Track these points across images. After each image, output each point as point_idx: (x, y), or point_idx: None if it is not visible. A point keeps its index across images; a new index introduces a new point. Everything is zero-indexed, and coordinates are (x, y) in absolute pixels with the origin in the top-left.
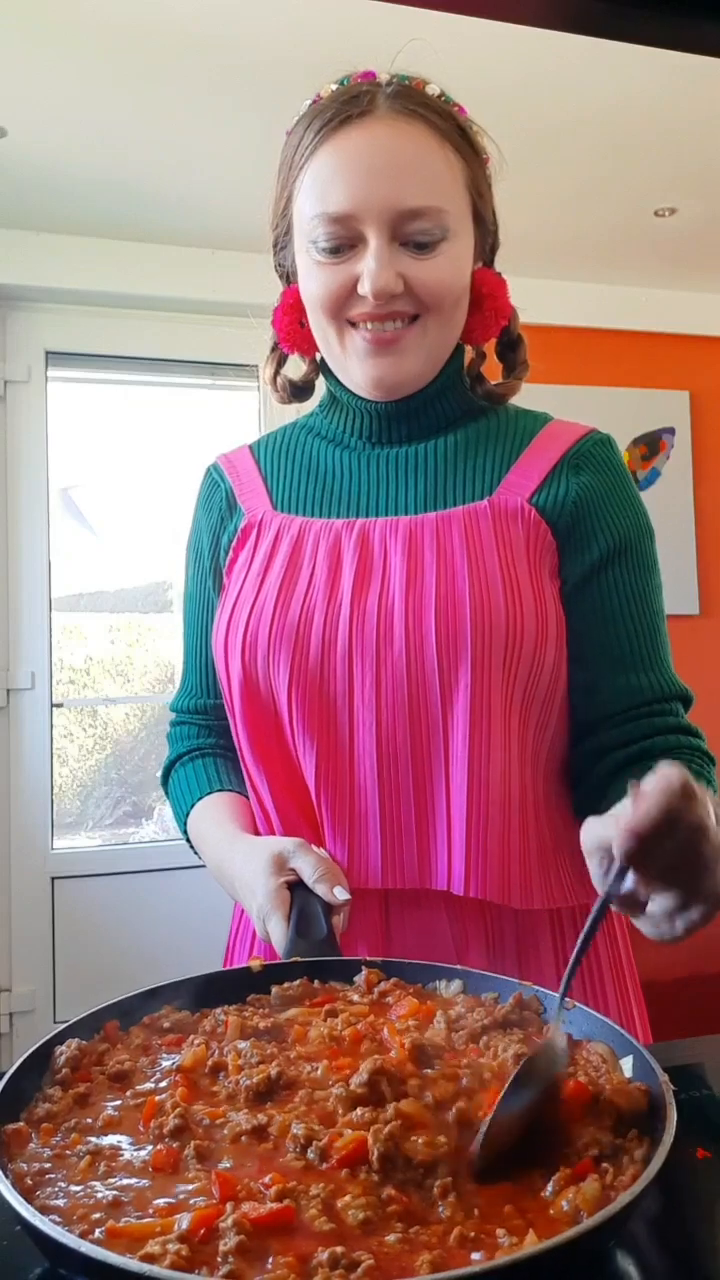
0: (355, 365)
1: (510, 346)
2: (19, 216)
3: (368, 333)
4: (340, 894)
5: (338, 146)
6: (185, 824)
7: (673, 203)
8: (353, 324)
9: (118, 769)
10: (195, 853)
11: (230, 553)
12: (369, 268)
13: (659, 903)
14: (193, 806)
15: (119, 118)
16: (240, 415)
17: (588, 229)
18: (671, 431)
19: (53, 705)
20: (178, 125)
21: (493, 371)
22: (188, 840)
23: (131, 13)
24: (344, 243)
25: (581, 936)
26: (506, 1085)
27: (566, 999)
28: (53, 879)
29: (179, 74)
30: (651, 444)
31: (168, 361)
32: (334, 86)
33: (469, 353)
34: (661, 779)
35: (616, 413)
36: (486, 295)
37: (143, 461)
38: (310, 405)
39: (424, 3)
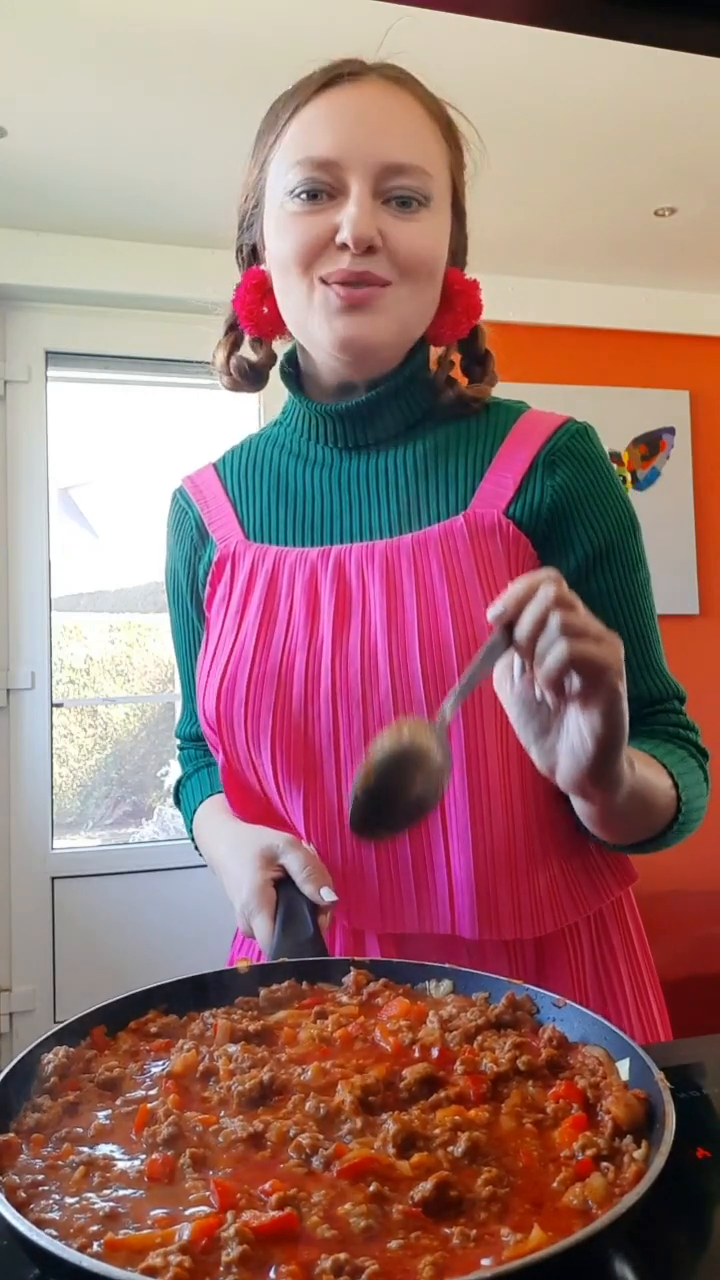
0: (322, 323)
1: (478, 360)
2: (19, 216)
3: (340, 289)
4: (327, 895)
5: (327, 100)
6: (191, 829)
7: (673, 203)
8: (325, 284)
9: (118, 769)
10: (202, 855)
11: (208, 587)
12: (349, 214)
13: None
14: (196, 810)
15: (119, 118)
16: (240, 415)
17: (588, 229)
18: (671, 431)
19: (53, 705)
20: (178, 125)
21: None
22: (196, 847)
23: (132, 13)
24: (324, 189)
25: (460, 682)
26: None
27: (559, 997)
28: (53, 879)
29: (180, 75)
30: (651, 444)
31: (168, 361)
32: (315, 70)
33: (434, 359)
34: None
35: (616, 413)
36: (458, 293)
37: (143, 461)
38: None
39: (424, 2)
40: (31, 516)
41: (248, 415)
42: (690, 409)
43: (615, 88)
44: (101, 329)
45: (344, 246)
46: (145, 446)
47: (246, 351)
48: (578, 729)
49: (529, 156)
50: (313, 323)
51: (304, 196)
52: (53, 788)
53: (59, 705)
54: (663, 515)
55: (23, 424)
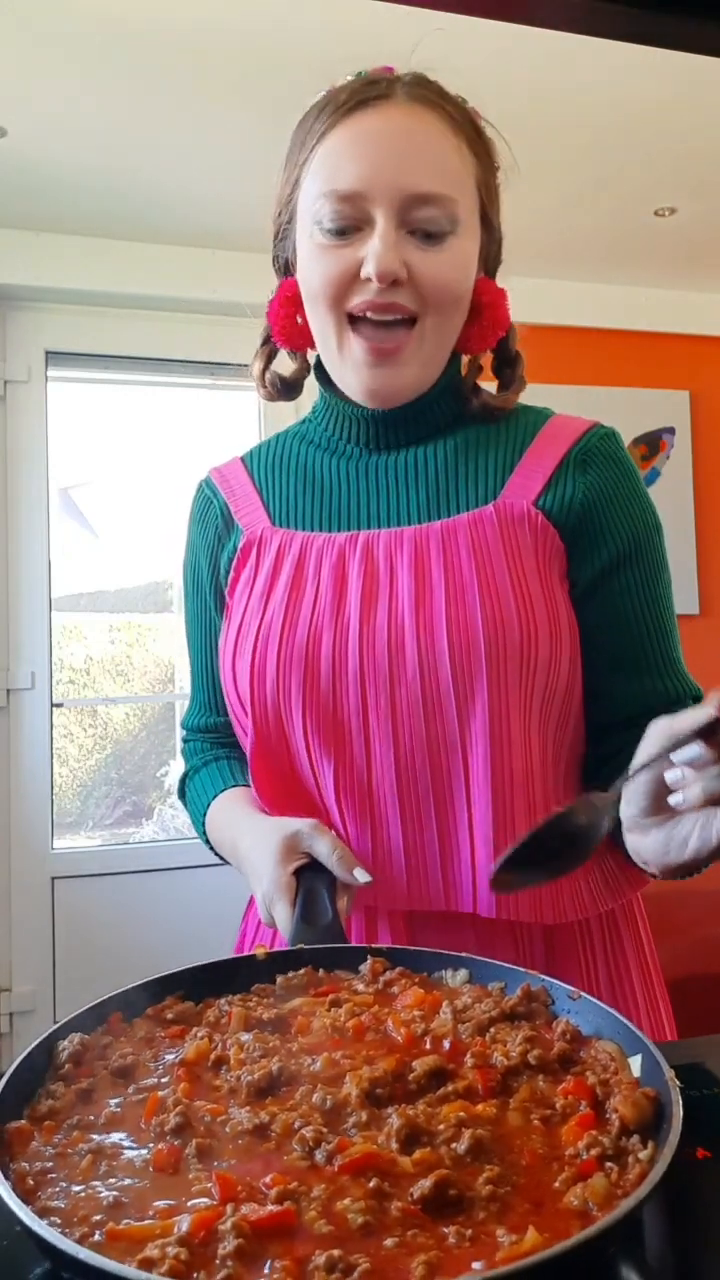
0: (352, 373)
1: (508, 363)
2: (19, 216)
3: (367, 341)
4: (361, 875)
5: (351, 127)
6: (203, 824)
7: (673, 203)
8: (353, 321)
9: (118, 769)
10: (214, 852)
11: (231, 573)
12: (374, 249)
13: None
14: (209, 805)
15: (119, 118)
16: (240, 415)
17: (588, 229)
18: (671, 431)
19: (53, 705)
20: (178, 125)
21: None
22: (206, 842)
23: (132, 14)
24: (350, 224)
25: (635, 765)
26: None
27: (574, 989)
28: (53, 879)
29: (179, 75)
30: (651, 444)
31: (168, 361)
32: (349, 78)
33: (464, 364)
34: None
35: (616, 413)
36: (486, 305)
37: (143, 461)
38: (294, 408)
39: (425, 2)
40: (31, 516)
41: (247, 416)
42: (690, 409)
43: (615, 88)
44: (101, 329)
45: (370, 279)
46: (145, 446)
47: (280, 365)
48: (697, 830)
49: (528, 156)
50: (343, 371)
51: (330, 231)
52: (53, 788)
53: (59, 705)
54: (663, 515)
55: (23, 424)
